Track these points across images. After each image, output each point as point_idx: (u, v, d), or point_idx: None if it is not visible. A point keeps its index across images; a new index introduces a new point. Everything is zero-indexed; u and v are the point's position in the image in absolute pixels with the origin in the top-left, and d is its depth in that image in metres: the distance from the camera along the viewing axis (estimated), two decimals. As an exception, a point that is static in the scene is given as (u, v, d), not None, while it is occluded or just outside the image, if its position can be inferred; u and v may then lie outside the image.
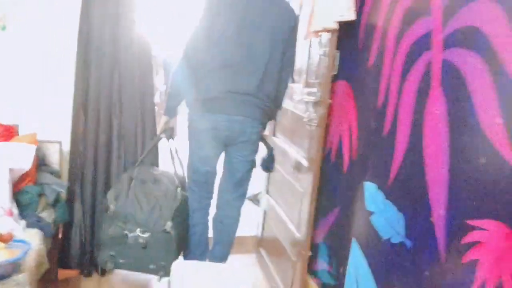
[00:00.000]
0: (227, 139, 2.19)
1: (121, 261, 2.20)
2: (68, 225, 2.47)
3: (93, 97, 2.49)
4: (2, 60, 2.47)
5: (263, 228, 3.12)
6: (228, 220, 2.39)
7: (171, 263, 2.04)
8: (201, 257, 2.36)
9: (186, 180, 2.39)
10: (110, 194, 2.25)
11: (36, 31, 2.49)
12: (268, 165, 2.44)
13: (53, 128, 2.53)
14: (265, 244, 3.04)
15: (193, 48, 2.14)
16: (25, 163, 2.12)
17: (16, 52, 2.49)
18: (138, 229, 2.15)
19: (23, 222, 1.96)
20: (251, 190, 3.68)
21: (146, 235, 2.15)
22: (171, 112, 2.30)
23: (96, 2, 2.44)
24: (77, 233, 2.47)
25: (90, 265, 2.56)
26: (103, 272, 2.61)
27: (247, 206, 3.62)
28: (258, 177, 3.08)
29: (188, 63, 2.17)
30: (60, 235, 2.47)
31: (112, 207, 2.18)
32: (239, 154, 2.25)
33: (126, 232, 2.15)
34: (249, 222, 3.18)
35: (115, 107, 2.53)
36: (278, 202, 2.80)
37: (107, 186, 2.52)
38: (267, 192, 3.03)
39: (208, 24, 2.11)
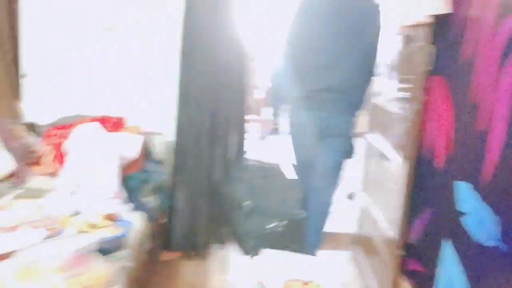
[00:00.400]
0: (321, 133, 2.38)
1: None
2: (170, 211, 2.66)
3: (196, 91, 2.65)
4: (111, 59, 2.73)
5: (359, 226, 3.09)
6: (320, 207, 2.54)
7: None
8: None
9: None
10: (240, 191, 2.51)
11: (142, 30, 2.71)
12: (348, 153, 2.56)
13: (157, 120, 2.74)
14: (360, 242, 3.02)
15: (289, 50, 2.39)
16: (134, 152, 2.34)
17: (123, 51, 2.74)
18: (275, 220, 2.44)
19: (129, 205, 2.16)
20: (349, 188, 3.67)
21: (282, 223, 2.43)
22: (275, 111, 2.59)
23: (199, 2, 2.60)
24: (178, 219, 2.66)
25: (191, 248, 2.74)
26: (202, 255, 2.77)
27: (344, 203, 3.62)
28: (356, 175, 3.08)
29: (285, 65, 2.42)
30: (164, 220, 2.68)
31: (248, 203, 2.46)
32: (333, 146, 2.41)
33: (264, 224, 2.43)
34: (346, 219, 3.19)
35: (216, 101, 2.68)
36: (373, 200, 2.77)
37: (208, 175, 2.68)
38: (364, 190, 3.00)
39: (300, 28, 2.35)
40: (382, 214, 2.56)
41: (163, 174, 2.53)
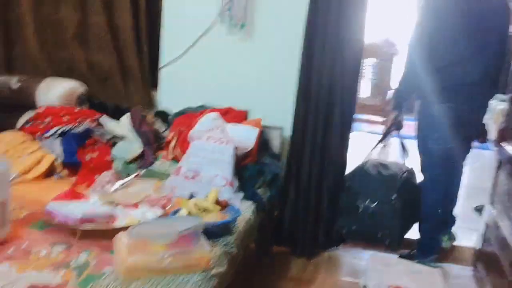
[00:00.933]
0: (455, 125, 2.47)
1: (353, 227, 2.62)
2: (282, 205, 2.69)
3: (314, 89, 2.66)
4: (238, 55, 2.83)
5: (483, 241, 2.84)
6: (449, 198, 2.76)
7: (395, 231, 2.51)
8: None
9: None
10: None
11: (267, 29, 2.78)
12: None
13: (277, 115, 2.78)
14: (483, 259, 2.77)
15: (419, 47, 2.48)
16: (249, 143, 2.40)
17: (250, 48, 2.83)
18: (368, 200, 2.56)
19: (240, 194, 2.22)
20: (477, 200, 3.41)
21: (374, 204, 2.54)
22: (399, 107, 2.68)
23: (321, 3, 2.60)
24: (288, 213, 2.67)
25: (301, 244, 2.74)
26: (310, 255, 2.76)
27: (471, 216, 3.36)
28: (484, 186, 2.88)
29: (415, 62, 2.50)
30: (276, 214, 2.72)
31: (348, 183, 2.67)
32: (463, 136, 2.53)
33: (357, 203, 2.58)
34: (471, 233, 2.97)
35: (332, 100, 2.65)
36: (501, 216, 2.52)
37: (323, 171, 2.66)
38: (492, 203, 2.75)
39: (430, 23, 2.44)
40: (510, 231, 2.33)
41: (278, 168, 2.56)
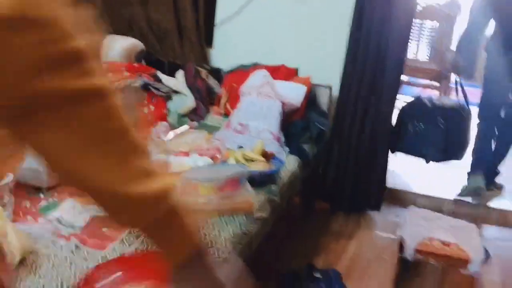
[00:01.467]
0: None
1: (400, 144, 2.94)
2: (326, 161, 2.77)
3: (362, 49, 2.69)
4: (291, 14, 2.88)
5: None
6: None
7: (437, 151, 2.88)
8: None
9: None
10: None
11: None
12: None
13: (326, 74, 2.83)
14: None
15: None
16: (296, 100, 2.48)
17: (302, 8, 2.87)
18: (418, 121, 2.90)
19: (286, 149, 2.32)
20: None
21: (422, 125, 2.90)
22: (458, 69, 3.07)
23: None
24: (332, 170, 2.76)
25: (342, 201, 2.83)
26: (350, 211, 2.85)
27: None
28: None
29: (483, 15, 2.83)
30: (321, 169, 2.82)
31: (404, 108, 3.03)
32: None
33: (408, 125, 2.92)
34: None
35: (379, 62, 2.68)
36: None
37: (368, 132, 2.73)
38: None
39: None
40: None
41: (324, 125, 2.63)
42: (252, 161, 1.99)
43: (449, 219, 2.05)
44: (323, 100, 2.79)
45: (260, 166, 1.96)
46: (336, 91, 2.84)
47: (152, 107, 2.60)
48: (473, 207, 3.04)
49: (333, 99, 2.85)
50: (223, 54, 3.10)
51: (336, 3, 2.81)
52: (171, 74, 2.82)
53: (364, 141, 2.73)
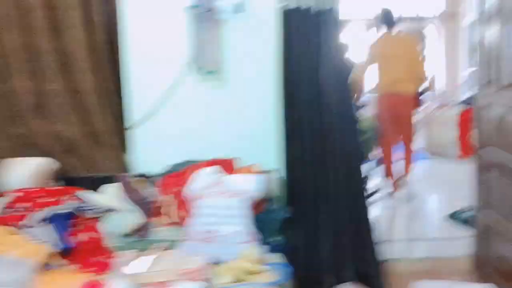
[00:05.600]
0: None
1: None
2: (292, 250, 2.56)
3: (301, 122, 2.65)
4: (211, 103, 2.72)
5: (480, 248, 2.91)
6: None
7: None
8: None
9: None
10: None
11: (239, 72, 2.70)
12: None
13: (263, 158, 2.64)
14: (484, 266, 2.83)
15: None
16: (258, 192, 2.26)
17: (222, 94, 2.72)
18: None
19: (265, 247, 2.07)
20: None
21: None
22: None
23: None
24: (300, 257, 2.56)
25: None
26: None
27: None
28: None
29: None
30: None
31: None
32: None
33: None
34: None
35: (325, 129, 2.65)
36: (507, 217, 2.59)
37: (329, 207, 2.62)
38: (484, 206, 2.84)
39: None
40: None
41: (286, 212, 2.44)
42: (253, 273, 1.70)
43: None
44: (271, 185, 2.61)
45: (265, 277, 1.68)
46: (279, 173, 2.68)
47: (86, 234, 2.17)
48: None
49: (278, 182, 2.68)
50: (141, 158, 2.76)
51: (257, 79, 2.71)
52: (89, 190, 2.41)
53: (330, 219, 2.59)
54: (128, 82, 2.68)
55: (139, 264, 1.82)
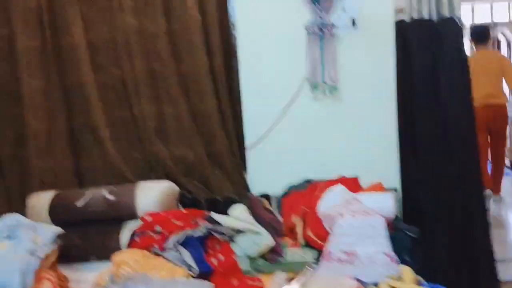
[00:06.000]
0: None
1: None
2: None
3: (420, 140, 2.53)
4: (328, 120, 2.68)
5: None
6: None
7: None
8: None
9: None
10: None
11: (356, 88, 2.65)
12: None
13: (382, 176, 2.57)
14: None
15: None
16: (390, 212, 2.19)
17: (340, 111, 2.68)
18: None
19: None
20: None
21: None
22: None
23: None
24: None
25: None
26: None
27: None
28: None
29: None
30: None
31: None
32: None
33: None
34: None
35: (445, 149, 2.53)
36: None
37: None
38: None
39: None
40: None
41: (413, 232, 2.33)
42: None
43: None
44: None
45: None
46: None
47: (221, 257, 2.17)
48: None
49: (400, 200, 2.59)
50: (258, 178, 2.77)
51: (374, 96, 2.65)
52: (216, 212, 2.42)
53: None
54: (245, 102, 2.69)
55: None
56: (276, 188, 2.65)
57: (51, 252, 1.88)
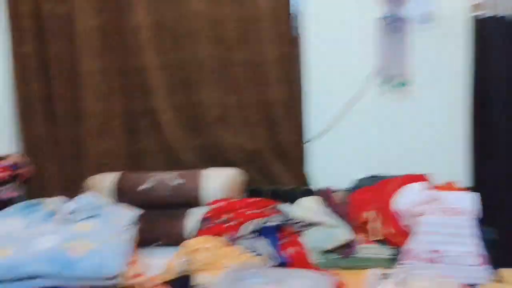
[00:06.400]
0: None
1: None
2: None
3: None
4: (395, 116, 2.60)
5: None
6: None
7: None
8: None
9: None
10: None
11: (425, 83, 2.56)
12: None
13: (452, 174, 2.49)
14: None
15: None
16: (469, 211, 2.10)
17: (408, 106, 2.59)
18: None
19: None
20: None
21: None
22: None
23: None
24: None
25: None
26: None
27: None
28: None
29: None
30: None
31: None
32: None
33: None
34: None
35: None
36: None
37: None
38: None
39: None
40: None
41: (487, 234, 2.25)
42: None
43: None
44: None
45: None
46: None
47: (291, 249, 2.08)
48: None
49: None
50: (318, 172, 2.69)
51: (445, 92, 2.56)
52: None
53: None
54: (310, 94, 2.62)
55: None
56: (335, 183, 2.56)
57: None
